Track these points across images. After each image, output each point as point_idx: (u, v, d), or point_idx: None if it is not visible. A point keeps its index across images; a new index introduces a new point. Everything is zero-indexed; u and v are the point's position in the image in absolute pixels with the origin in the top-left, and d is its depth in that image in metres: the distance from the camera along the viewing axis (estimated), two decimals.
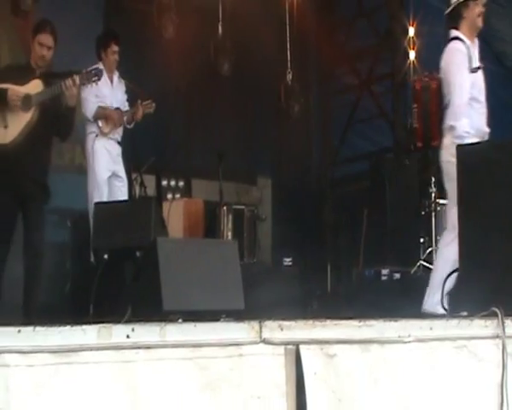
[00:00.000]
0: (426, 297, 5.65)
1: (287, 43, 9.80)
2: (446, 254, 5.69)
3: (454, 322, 3.92)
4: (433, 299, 5.37)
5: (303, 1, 9.85)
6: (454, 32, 5.85)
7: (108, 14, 9.27)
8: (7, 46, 6.60)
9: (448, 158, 5.66)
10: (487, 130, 5.88)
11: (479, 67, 5.82)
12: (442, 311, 4.89)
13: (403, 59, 10.39)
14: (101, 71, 6.27)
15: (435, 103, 7.55)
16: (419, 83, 8.61)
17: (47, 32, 6.06)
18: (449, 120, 5.79)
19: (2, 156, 5.77)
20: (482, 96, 5.86)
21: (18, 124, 5.80)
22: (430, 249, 7.02)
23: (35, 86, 5.89)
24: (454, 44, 5.82)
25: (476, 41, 5.91)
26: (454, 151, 5.05)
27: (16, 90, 5.83)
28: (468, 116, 5.69)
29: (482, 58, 6.00)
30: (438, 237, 6.28)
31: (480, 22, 5.84)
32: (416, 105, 8.54)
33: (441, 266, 5.62)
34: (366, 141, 10.96)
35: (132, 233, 5.16)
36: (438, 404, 3.67)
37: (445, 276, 5.06)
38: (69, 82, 5.85)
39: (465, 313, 4.14)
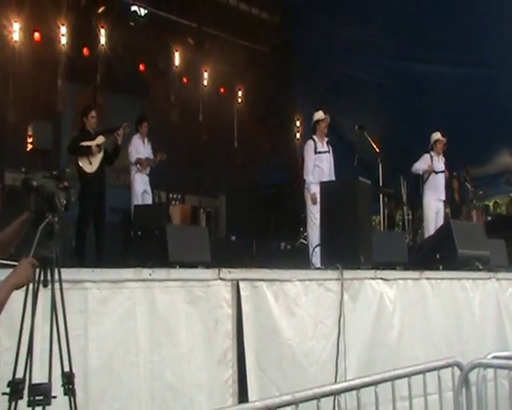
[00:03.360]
0: (310, 258, 5.82)
1: (235, 126, 10.34)
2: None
3: (305, 270, 4.08)
4: (313, 259, 5.59)
5: (240, 109, 10.43)
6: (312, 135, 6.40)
7: (143, 102, 9.26)
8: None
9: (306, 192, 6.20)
10: (331, 179, 6.22)
11: (321, 151, 6.30)
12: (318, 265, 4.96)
13: (293, 138, 10.87)
14: (129, 125, 6.40)
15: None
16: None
17: (94, 111, 6.17)
18: (304, 174, 6.29)
19: (90, 179, 5.88)
20: (324, 165, 6.27)
21: (96, 161, 5.98)
22: (305, 234, 7.21)
23: (100, 139, 6.05)
24: (309, 140, 6.40)
25: (325, 138, 6.39)
26: (308, 187, 6.09)
27: (94, 144, 5.98)
28: (312, 174, 6.18)
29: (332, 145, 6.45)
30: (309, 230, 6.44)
31: (324, 130, 6.41)
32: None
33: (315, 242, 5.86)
34: (275, 176, 11.14)
35: (154, 220, 5.27)
36: (302, 311, 3.77)
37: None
38: (120, 132, 6.15)
39: (323, 267, 4.44)
